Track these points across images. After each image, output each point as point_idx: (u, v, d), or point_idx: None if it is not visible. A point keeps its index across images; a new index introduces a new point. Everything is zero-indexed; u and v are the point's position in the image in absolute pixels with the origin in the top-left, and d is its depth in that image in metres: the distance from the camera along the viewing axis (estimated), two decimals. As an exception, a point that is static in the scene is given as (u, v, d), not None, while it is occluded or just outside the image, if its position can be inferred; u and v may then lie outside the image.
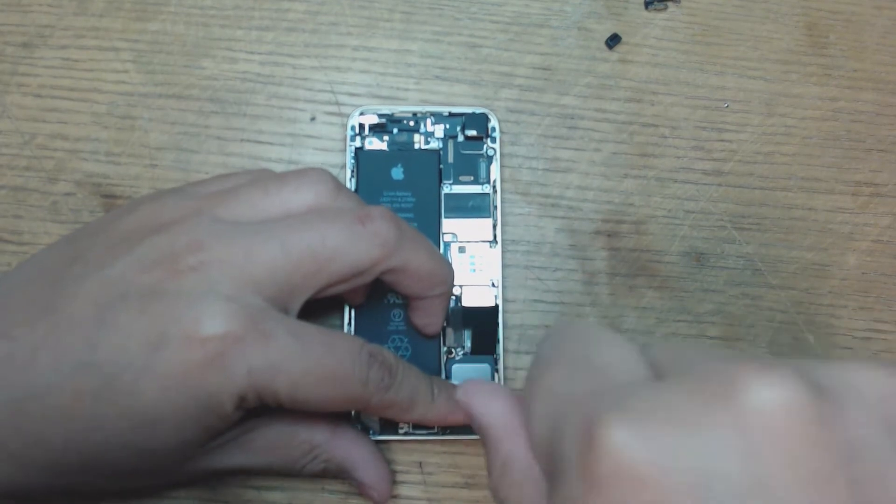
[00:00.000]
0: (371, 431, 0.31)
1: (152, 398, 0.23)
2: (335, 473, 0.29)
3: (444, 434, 0.31)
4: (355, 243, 0.26)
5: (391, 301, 0.31)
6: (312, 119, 0.34)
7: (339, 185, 0.28)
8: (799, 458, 0.15)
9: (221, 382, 0.24)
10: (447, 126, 0.33)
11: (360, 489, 0.30)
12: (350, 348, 0.26)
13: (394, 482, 0.31)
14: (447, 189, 0.33)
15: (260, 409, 0.26)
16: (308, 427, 0.28)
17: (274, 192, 0.27)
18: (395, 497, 0.31)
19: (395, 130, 0.33)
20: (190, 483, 0.31)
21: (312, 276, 0.26)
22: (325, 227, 0.26)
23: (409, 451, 0.32)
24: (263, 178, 0.28)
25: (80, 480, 0.26)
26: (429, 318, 0.31)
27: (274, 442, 0.28)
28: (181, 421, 0.24)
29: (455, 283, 0.32)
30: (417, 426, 0.31)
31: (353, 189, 0.32)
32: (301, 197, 0.27)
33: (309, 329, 0.25)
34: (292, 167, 0.33)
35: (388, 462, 0.31)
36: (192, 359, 0.23)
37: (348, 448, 0.29)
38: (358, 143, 0.33)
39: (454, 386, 0.29)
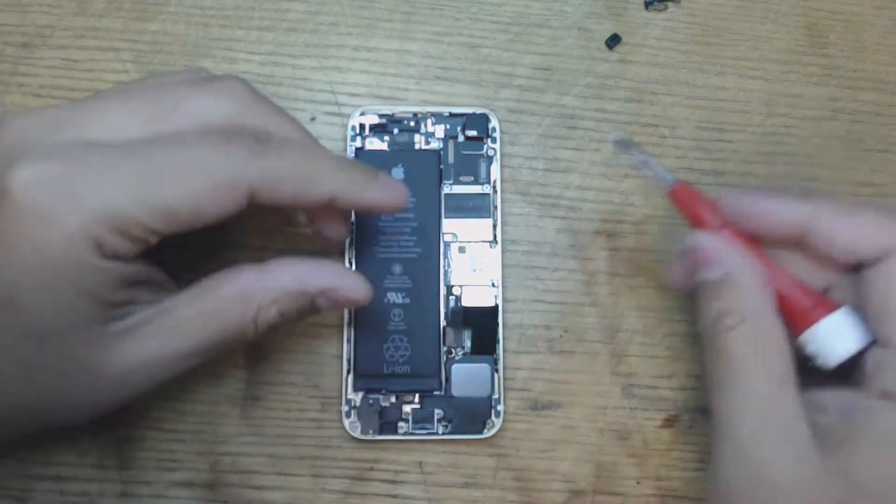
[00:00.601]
0: (370, 431, 0.31)
1: (4, 268, 0.22)
2: (298, 312, 0.26)
3: (444, 434, 0.31)
4: (200, 93, 0.24)
5: (391, 301, 0.32)
6: (312, 119, 0.34)
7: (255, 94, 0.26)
8: None
9: (57, 230, 0.22)
10: (447, 126, 0.33)
11: (333, 302, 0.26)
12: (202, 133, 0.24)
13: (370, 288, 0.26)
14: (447, 189, 0.33)
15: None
16: (227, 278, 0.25)
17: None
18: (394, 497, 0.31)
19: (396, 131, 0.33)
20: (133, 391, 0.25)
21: (155, 119, 0.24)
22: (167, 80, 0.25)
23: (409, 451, 0.32)
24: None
25: None
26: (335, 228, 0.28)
27: (196, 309, 0.25)
28: (46, 285, 0.22)
29: (455, 283, 0.32)
30: (418, 425, 0.31)
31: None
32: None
33: (145, 140, 0.23)
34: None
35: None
36: (14, 214, 0.22)
37: (288, 273, 0.25)
38: (358, 143, 0.33)
39: (370, 168, 0.26)
